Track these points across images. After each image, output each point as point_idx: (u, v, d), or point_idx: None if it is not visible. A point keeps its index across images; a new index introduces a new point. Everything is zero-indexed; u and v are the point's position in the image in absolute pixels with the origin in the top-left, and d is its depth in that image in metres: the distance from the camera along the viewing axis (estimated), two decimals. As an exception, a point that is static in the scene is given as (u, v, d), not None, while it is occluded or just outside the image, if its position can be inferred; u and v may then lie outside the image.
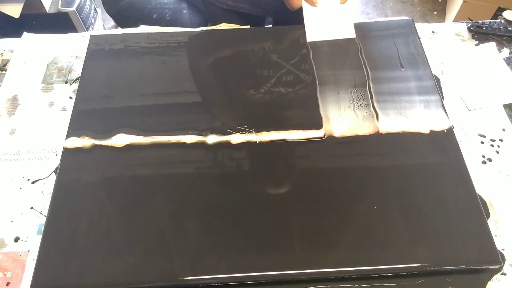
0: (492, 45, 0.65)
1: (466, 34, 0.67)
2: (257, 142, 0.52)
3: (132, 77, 0.59)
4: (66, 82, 0.62)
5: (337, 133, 0.52)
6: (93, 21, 1.32)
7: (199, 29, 0.67)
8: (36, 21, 1.17)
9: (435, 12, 1.65)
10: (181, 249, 0.44)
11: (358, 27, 0.64)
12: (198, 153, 0.51)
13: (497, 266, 0.44)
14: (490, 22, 0.69)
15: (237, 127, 0.53)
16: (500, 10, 1.21)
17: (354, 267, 0.43)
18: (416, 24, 0.65)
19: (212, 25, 0.78)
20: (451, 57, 0.64)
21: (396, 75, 0.58)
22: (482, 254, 0.43)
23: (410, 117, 0.54)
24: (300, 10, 0.64)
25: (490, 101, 0.59)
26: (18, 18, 1.03)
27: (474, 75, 0.62)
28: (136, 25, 0.70)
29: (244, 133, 0.53)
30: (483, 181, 0.51)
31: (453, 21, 1.12)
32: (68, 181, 0.49)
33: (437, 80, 0.60)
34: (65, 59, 0.65)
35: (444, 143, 0.51)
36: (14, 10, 1.03)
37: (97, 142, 0.52)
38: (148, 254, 0.44)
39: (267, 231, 0.45)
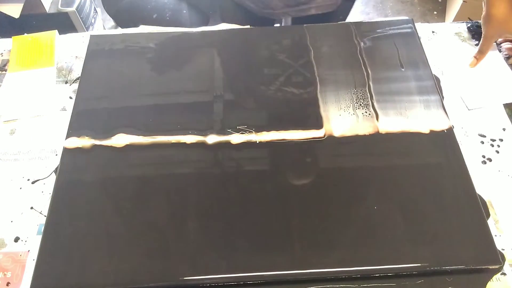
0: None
1: (466, 34, 0.67)
2: (257, 142, 0.52)
3: (132, 77, 0.59)
4: (66, 82, 0.62)
5: (337, 133, 0.52)
6: (93, 21, 1.32)
7: (199, 29, 0.67)
8: (36, 21, 1.17)
9: (435, 12, 1.65)
10: (181, 249, 0.44)
11: (358, 27, 0.64)
12: (198, 153, 0.51)
13: (497, 266, 0.44)
14: (490, 22, 0.69)
15: (237, 127, 0.53)
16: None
17: (354, 267, 0.43)
18: (416, 24, 0.65)
19: (221, 20, 0.78)
20: (451, 57, 0.64)
21: (396, 75, 0.58)
22: (482, 254, 0.43)
23: (410, 117, 0.54)
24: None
25: (490, 101, 0.59)
26: (18, 18, 1.03)
27: (474, 74, 0.61)
28: (136, 25, 0.70)
29: (244, 133, 0.53)
30: (483, 181, 0.51)
31: (453, 21, 1.12)
32: (68, 181, 0.49)
33: (437, 80, 0.60)
34: (65, 59, 0.65)
35: (444, 143, 0.51)
36: (14, 10, 1.02)
37: (97, 142, 0.52)
38: (148, 254, 0.44)
39: (267, 231, 0.45)
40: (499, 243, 0.47)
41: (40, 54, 0.65)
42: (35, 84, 0.62)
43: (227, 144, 0.52)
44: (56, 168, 0.52)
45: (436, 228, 0.45)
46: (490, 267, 0.44)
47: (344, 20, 0.88)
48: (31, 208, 0.50)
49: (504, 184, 0.51)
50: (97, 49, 0.62)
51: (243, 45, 0.63)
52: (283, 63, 0.60)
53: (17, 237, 0.48)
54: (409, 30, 0.63)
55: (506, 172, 0.52)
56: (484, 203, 0.49)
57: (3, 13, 1.02)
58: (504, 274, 0.45)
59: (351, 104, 0.55)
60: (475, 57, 0.61)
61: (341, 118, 0.54)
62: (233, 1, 0.79)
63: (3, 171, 0.53)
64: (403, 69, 0.59)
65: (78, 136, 0.53)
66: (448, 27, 0.68)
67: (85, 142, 0.52)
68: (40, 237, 0.46)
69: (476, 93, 0.60)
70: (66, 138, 0.53)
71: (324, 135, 0.52)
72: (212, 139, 0.52)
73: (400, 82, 0.57)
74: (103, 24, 1.44)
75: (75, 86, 0.61)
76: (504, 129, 0.56)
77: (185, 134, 0.53)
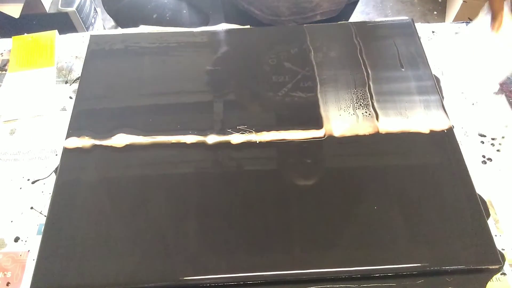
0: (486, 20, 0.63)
1: (466, 34, 0.67)
2: (257, 142, 0.52)
3: (132, 77, 0.59)
4: (66, 82, 0.62)
5: (337, 133, 0.53)
6: (93, 21, 1.32)
7: (199, 29, 0.67)
8: (36, 21, 1.17)
9: (435, 12, 1.65)
10: (181, 249, 0.44)
11: (358, 27, 0.64)
12: (198, 153, 0.51)
13: (497, 266, 0.44)
14: (490, 22, 0.69)
15: (237, 127, 0.53)
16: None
17: (354, 267, 0.43)
18: (416, 24, 0.65)
19: (225, 22, 0.78)
20: (451, 57, 0.64)
21: (396, 75, 0.58)
22: (482, 254, 0.43)
23: (410, 117, 0.54)
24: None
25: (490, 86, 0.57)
26: (18, 18, 1.03)
27: (471, 62, 0.60)
28: (136, 25, 0.70)
29: (244, 133, 0.53)
30: (483, 181, 0.51)
31: (453, 21, 1.12)
32: (68, 181, 0.49)
33: (437, 80, 0.60)
34: (65, 59, 0.65)
35: (444, 143, 0.51)
36: (14, 10, 1.03)
37: (97, 142, 0.52)
38: (148, 254, 0.44)
39: (267, 231, 0.45)
40: (499, 243, 0.47)
41: (40, 54, 0.65)
42: (35, 84, 0.62)
43: (227, 144, 0.52)
44: (56, 168, 0.52)
45: (436, 228, 0.45)
46: (490, 267, 0.44)
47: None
48: (31, 208, 0.50)
49: (504, 184, 0.51)
50: (97, 49, 0.62)
51: (243, 45, 0.63)
52: (283, 63, 0.60)
53: (17, 237, 0.48)
54: (409, 30, 0.63)
55: (506, 172, 0.52)
56: (484, 203, 0.49)
57: (3, 13, 1.02)
58: (504, 274, 0.45)
59: (351, 104, 0.55)
60: (493, 25, 0.56)
61: (341, 118, 0.54)
62: (237, 7, 0.79)
63: (3, 171, 0.53)
64: (403, 69, 0.59)
65: (78, 136, 0.53)
66: (448, 27, 0.68)
67: (85, 142, 0.52)
68: (40, 237, 0.46)
69: (477, 84, 0.59)
70: (66, 138, 0.53)
71: (324, 135, 0.52)
72: (212, 139, 0.52)
73: (400, 82, 0.57)
74: (103, 24, 1.44)
75: (75, 86, 0.61)
76: (504, 129, 0.56)
77: (185, 134, 0.53)
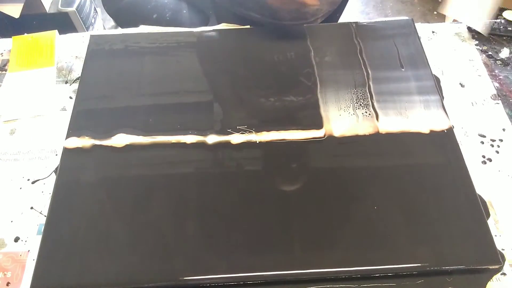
0: None
1: (466, 34, 0.67)
2: (257, 142, 0.52)
3: (132, 77, 0.59)
4: (66, 82, 0.62)
5: (337, 133, 0.53)
6: (93, 21, 1.32)
7: (199, 29, 0.67)
8: (36, 21, 1.17)
9: (435, 12, 1.65)
10: (181, 249, 0.44)
11: (358, 27, 0.64)
12: (198, 153, 0.51)
13: (497, 266, 0.44)
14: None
15: (237, 127, 0.53)
16: (500, 10, 1.21)
17: (354, 267, 0.43)
18: (416, 24, 0.65)
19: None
20: (451, 57, 0.64)
21: (396, 75, 0.58)
22: (482, 254, 0.43)
23: (410, 117, 0.54)
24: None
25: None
26: (18, 18, 1.03)
27: None
28: (136, 25, 0.70)
29: (244, 133, 0.53)
30: (483, 181, 0.51)
31: (453, 21, 1.12)
32: (68, 181, 0.49)
33: (437, 80, 0.60)
34: (65, 59, 0.65)
35: (444, 143, 0.51)
36: (14, 10, 1.02)
37: (97, 142, 0.52)
38: (148, 254, 0.44)
39: (267, 231, 0.45)
40: (499, 243, 0.47)
41: (40, 54, 0.65)
42: (35, 84, 0.62)
43: (227, 144, 0.52)
44: (56, 168, 0.52)
45: (436, 228, 0.45)
46: (490, 267, 0.44)
47: (339, 17, 0.89)
48: (31, 208, 0.50)
49: (504, 184, 0.51)
50: (97, 49, 0.62)
51: (243, 45, 0.63)
52: (283, 63, 0.60)
53: (17, 237, 0.48)
54: (409, 30, 0.63)
55: (506, 172, 0.52)
56: (484, 203, 0.49)
57: (3, 13, 1.02)
58: (504, 274, 0.45)
59: (351, 104, 0.55)
60: None
61: (341, 118, 0.54)
62: (235, 14, 0.79)
63: (3, 171, 0.53)
64: (403, 69, 0.59)
65: (78, 136, 0.53)
66: (448, 27, 0.68)
67: (85, 142, 0.52)
68: (40, 237, 0.46)
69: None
70: (66, 138, 0.53)
71: (324, 135, 0.52)
72: (212, 139, 0.52)
73: (400, 82, 0.57)
74: (103, 24, 1.44)
75: (75, 86, 0.61)
76: (504, 129, 0.56)
77: (185, 134, 0.53)
